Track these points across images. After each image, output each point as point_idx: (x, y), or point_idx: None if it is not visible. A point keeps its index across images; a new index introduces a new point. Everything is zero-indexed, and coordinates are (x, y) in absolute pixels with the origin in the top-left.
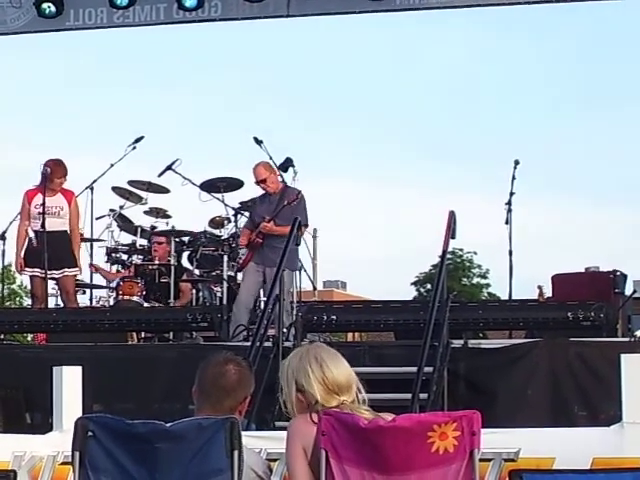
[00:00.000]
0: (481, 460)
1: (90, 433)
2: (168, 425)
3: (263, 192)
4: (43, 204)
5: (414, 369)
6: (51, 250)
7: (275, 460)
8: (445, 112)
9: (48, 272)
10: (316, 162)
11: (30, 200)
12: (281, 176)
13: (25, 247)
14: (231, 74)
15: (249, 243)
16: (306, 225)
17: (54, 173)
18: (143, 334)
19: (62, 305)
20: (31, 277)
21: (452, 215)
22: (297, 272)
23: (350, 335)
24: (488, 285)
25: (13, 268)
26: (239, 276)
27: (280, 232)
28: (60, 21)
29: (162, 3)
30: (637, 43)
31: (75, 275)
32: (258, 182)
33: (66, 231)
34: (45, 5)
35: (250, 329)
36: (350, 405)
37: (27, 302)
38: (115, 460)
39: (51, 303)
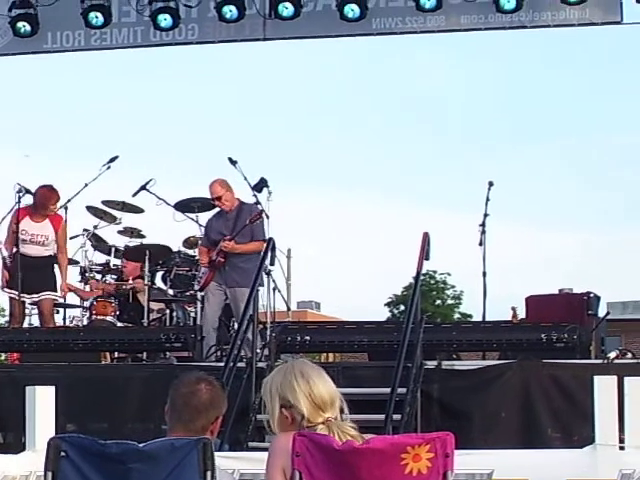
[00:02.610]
0: None
1: (63, 453)
2: (141, 445)
3: (218, 209)
4: (14, 232)
5: (387, 390)
6: (33, 274)
7: None
8: (419, 132)
9: (28, 296)
10: (290, 182)
11: (18, 221)
12: (255, 196)
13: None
14: (206, 93)
15: (210, 262)
16: (263, 241)
17: (48, 200)
18: (116, 354)
19: (38, 325)
20: (10, 298)
21: (426, 237)
22: (260, 288)
23: (324, 356)
24: (459, 304)
25: None
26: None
27: (241, 250)
28: (38, 43)
29: (139, 26)
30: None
31: (54, 299)
32: (213, 199)
33: (50, 256)
34: (20, 24)
35: (224, 349)
36: (336, 422)
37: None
38: None
39: (29, 322)
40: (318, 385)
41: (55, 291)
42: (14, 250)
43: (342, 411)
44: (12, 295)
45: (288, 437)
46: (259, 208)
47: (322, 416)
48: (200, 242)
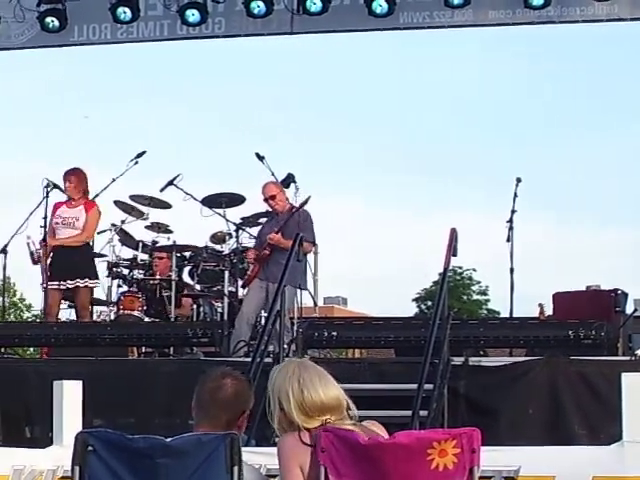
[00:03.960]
0: (481, 478)
1: (90, 448)
2: (168, 440)
3: (270, 212)
4: (44, 217)
5: (414, 386)
6: (66, 260)
7: (274, 476)
8: (447, 130)
9: (62, 283)
10: (317, 179)
11: (54, 213)
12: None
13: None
14: (236, 88)
15: (257, 257)
16: (314, 243)
17: (64, 180)
18: (144, 349)
19: (75, 318)
20: (44, 290)
21: (453, 233)
22: (299, 289)
23: (350, 351)
24: (487, 301)
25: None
26: (240, 291)
27: (286, 245)
28: (64, 37)
29: (166, 19)
30: None
31: (87, 286)
32: (267, 199)
33: (84, 243)
34: (49, 19)
35: (251, 345)
36: (333, 423)
37: (27, 315)
38: (115, 475)
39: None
40: (313, 393)
41: (92, 279)
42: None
43: (350, 408)
44: (47, 286)
45: (292, 437)
46: (307, 211)
47: (319, 419)
48: (253, 244)
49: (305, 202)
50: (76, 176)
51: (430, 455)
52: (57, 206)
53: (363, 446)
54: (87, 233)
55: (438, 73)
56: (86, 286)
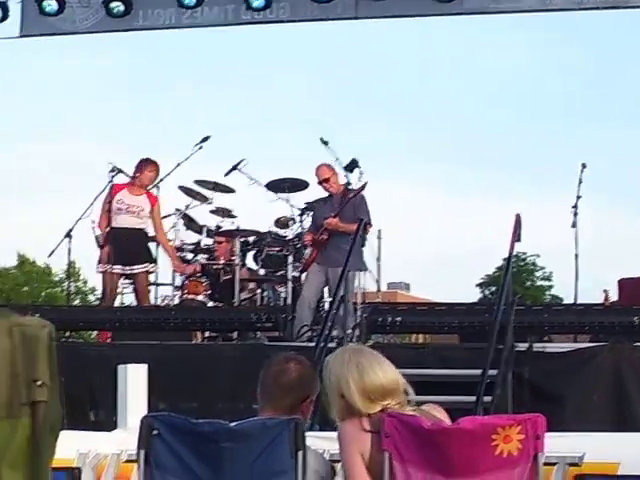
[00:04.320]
0: (545, 464)
1: (155, 432)
2: (233, 424)
3: (325, 194)
4: (108, 202)
5: (478, 372)
6: (127, 246)
7: (337, 462)
8: (510, 115)
9: (121, 268)
10: (382, 163)
11: (114, 194)
12: (347, 177)
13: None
14: (300, 74)
15: (314, 241)
16: (370, 224)
17: (145, 167)
18: (207, 333)
19: (134, 303)
20: (103, 274)
21: (518, 218)
22: (361, 273)
23: (414, 336)
24: (551, 287)
25: (79, 264)
26: (303, 277)
27: (344, 229)
28: (129, 21)
29: (230, 4)
30: None
31: (148, 271)
32: (320, 182)
33: (141, 229)
34: (114, 4)
35: (314, 329)
36: (394, 408)
37: (91, 299)
38: (180, 459)
39: (120, 302)
40: (373, 376)
41: (151, 263)
42: (108, 227)
43: (407, 393)
44: (106, 270)
45: (353, 424)
46: (362, 193)
47: (380, 404)
48: (308, 228)
49: (362, 188)
50: (156, 168)
51: (494, 441)
52: (117, 189)
53: (427, 431)
54: (161, 227)
55: (498, 60)
56: (147, 271)
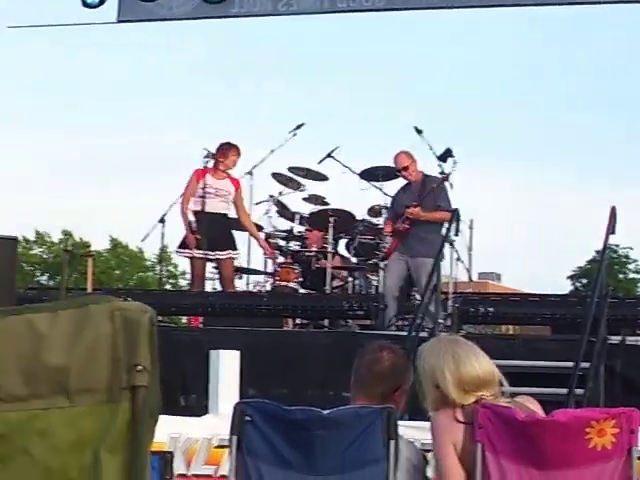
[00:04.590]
0: (639, 459)
1: (248, 418)
2: (325, 412)
3: (404, 182)
4: (199, 188)
5: (570, 364)
6: (213, 232)
7: (429, 451)
8: (610, 105)
9: (209, 253)
10: (475, 152)
11: (198, 179)
12: (440, 166)
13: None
14: (394, 63)
15: (394, 231)
16: (448, 211)
17: (228, 150)
18: (298, 320)
19: (220, 288)
20: (191, 258)
21: (613, 211)
22: (454, 263)
23: (504, 327)
24: None
25: (171, 249)
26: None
27: (426, 218)
28: (225, 8)
29: None
30: None
31: (231, 258)
32: (399, 170)
33: (227, 214)
34: None
35: (405, 319)
36: (488, 399)
37: (182, 284)
38: (272, 446)
39: (209, 287)
40: (470, 367)
41: (235, 250)
42: (192, 208)
43: (501, 384)
44: (192, 255)
45: (446, 414)
46: (440, 179)
47: (475, 395)
48: (386, 215)
49: (445, 178)
50: (238, 151)
51: (588, 434)
52: (201, 173)
53: (520, 423)
54: (245, 210)
55: (598, 51)
56: (230, 257)
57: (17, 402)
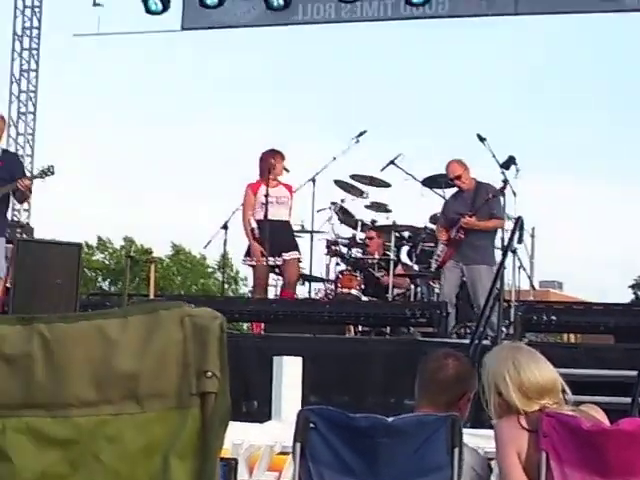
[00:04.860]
0: None
1: (312, 425)
2: (389, 420)
3: (457, 189)
4: (266, 195)
5: (633, 373)
6: (277, 238)
7: (492, 459)
8: None
9: (271, 259)
10: (537, 160)
11: (255, 191)
12: (503, 173)
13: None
14: (457, 70)
15: (450, 239)
16: (502, 218)
17: (272, 157)
18: (360, 327)
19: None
20: (255, 266)
21: None
22: (516, 271)
23: (565, 336)
24: None
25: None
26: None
27: (481, 227)
28: (288, 15)
29: None
30: None
31: (298, 259)
32: (452, 179)
33: (289, 221)
34: None
35: (467, 326)
36: (552, 408)
37: (242, 290)
38: (335, 452)
39: (271, 294)
40: (529, 375)
41: (300, 254)
42: (255, 218)
43: (566, 392)
44: (258, 263)
45: (510, 422)
46: (495, 187)
47: (538, 403)
48: (438, 222)
49: (503, 188)
50: (283, 157)
51: None
52: (256, 185)
53: (585, 432)
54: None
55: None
56: (297, 259)
57: (87, 407)
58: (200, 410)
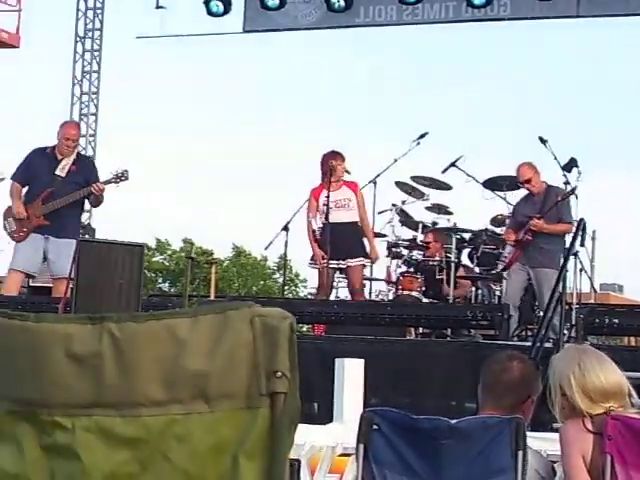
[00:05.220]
0: None
1: (375, 426)
2: (453, 422)
3: (527, 192)
4: (328, 197)
5: None
6: (339, 241)
7: (555, 462)
8: None
9: (336, 262)
10: (598, 162)
11: (317, 196)
12: (565, 176)
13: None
14: (520, 73)
15: (518, 241)
16: (571, 223)
17: (331, 159)
18: (420, 329)
19: (349, 297)
20: (318, 269)
21: None
22: (577, 274)
23: (626, 339)
24: None
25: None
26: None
27: (549, 230)
28: (349, 17)
29: (451, 1)
30: None
31: (363, 265)
32: (522, 182)
33: (354, 222)
34: None
35: (529, 329)
36: (617, 411)
37: (301, 291)
38: (399, 454)
39: (333, 295)
40: (594, 378)
41: (365, 257)
42: (317, 224)
43: (632, 396)
44: (322, 266)
45: (575, 424)
46: (565, 190)
47: (602, 407)
48: (507, 224)
49: (572, 192)
50: (343, 158)
51: None
52: (318, 190)
53: None
54: (366, 215)
55: None
56: (362, 265)
57: (157, 407)
58: (270, 410)
